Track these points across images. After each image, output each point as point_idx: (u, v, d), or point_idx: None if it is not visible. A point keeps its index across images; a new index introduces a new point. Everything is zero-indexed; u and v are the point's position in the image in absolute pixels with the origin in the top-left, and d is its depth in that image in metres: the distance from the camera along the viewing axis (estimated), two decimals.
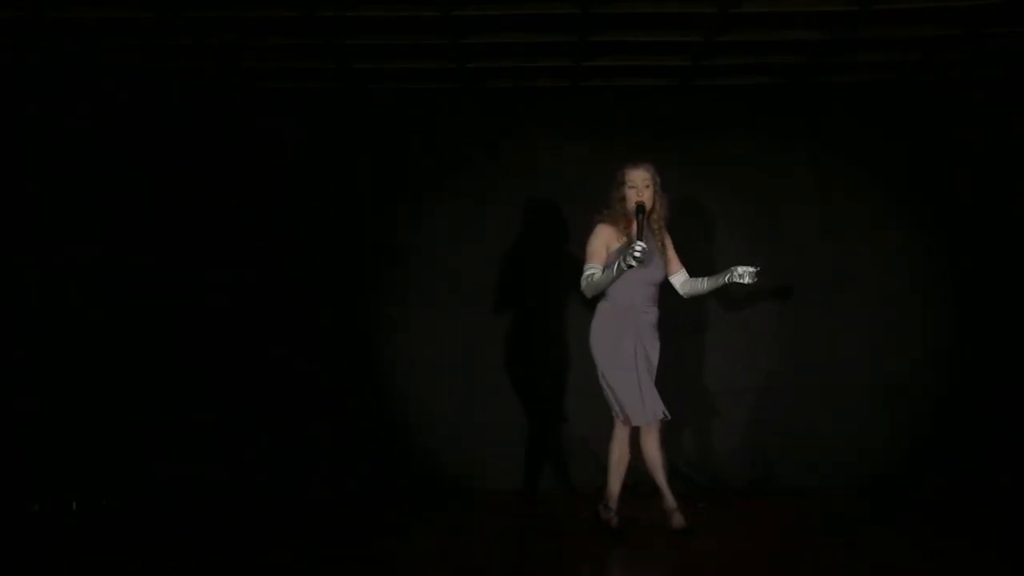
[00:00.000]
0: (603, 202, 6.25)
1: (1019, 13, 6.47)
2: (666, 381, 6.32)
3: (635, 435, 6.26)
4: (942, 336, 7.76)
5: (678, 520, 6.21)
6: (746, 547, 6.14)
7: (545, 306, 7.84)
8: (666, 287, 6.35)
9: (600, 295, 6.23)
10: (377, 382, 7.84)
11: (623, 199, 6.16)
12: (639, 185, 6.17)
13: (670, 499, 6.26)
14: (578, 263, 6.29)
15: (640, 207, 6.10)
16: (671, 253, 6.35)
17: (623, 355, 6.18)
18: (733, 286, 6.28)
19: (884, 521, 6.80)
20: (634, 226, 6.07)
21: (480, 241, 7.82)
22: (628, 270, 6.00)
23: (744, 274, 6.18)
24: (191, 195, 7.80)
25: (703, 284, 6.35)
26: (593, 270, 6.15)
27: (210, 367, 7.72)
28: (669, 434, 6.49)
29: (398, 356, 7.85)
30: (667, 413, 6.19)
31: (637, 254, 5.92)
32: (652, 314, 6.25)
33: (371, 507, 7.39)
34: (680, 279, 6.39)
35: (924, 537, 6.37)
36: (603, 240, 6.20)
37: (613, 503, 6.29)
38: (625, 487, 6.28)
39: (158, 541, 6.43)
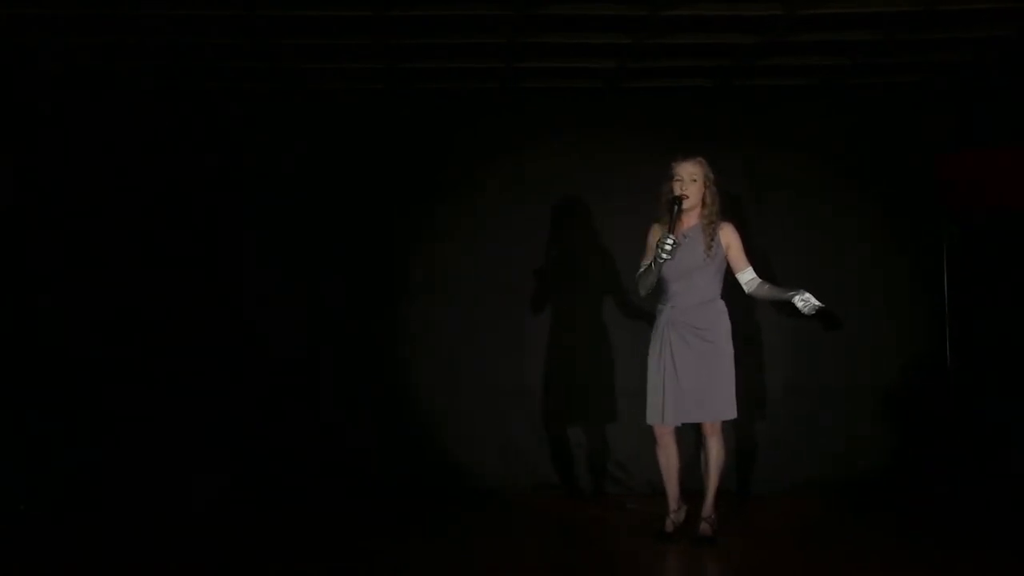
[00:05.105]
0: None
1: (940, 21, 6.60)
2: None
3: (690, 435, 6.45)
4: (920, 338, 7.86)
5: (701, 527, 6.35)
6: (736, 549, 6.26)
7: (572, 307, 7.91)
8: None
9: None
10: (401, 382, 7.91)
11: (670, 192, 6.24)
12: (685, 179, 6.21)
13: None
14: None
15: (676, 200, 6.17)
16: (734, 252, 6.27)
17: (651, 349, 6.32)
18: (788, 306, 6.16)
19: (872, 524, 6.88)
20: (671, 218, 6.16)
21: (504, 242, 7.87)
22: (663, 263, 6.12)
23: (806, 306, 6.08)
24: (195, 196, 7.87)
25: (764, 290, 6.26)
26: (642, 267, 6.26)
27: (228, 366, 7.78)
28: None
29: (423, 357, 7.91)
30: (657, 421, 6.25)
31: (667, 246, 6.05)
32: (687, 311, 6.23)
33: (399, 507, 7.45)
34: (745, 278, 6.29)
35: (912, 539, 6.46)
36: (654, 236, 6.27)
37: (668, 505, 6.41)
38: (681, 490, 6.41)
39: (173, 543, 6.51)
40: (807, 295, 6.11)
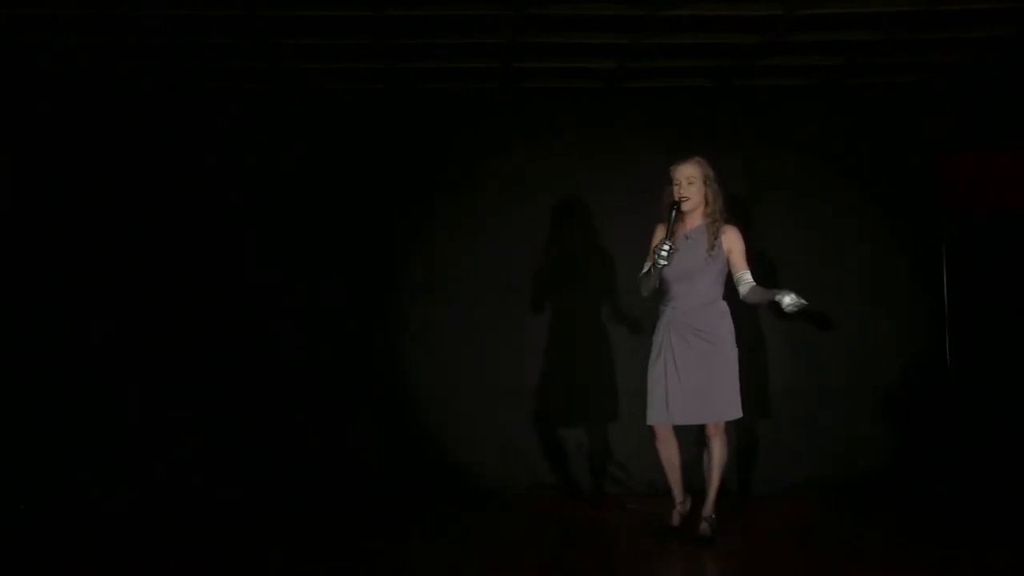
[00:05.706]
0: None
1: (940, 21, 6.61)
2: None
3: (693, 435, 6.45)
4: (920, 338, 7.85)
5: (701, 527, 6.32)
6: (736, 549, 6.27)
7: (572, 307, 7.91)
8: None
9: None
10: (401, 382, 7.91)
11: (670, 196, 6.20)
12: (682, 182, 6.16)
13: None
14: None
15: (675, 204, 6.13)
16: (735, 256, 6.21)
17: (652, 350, 6.29)
18: (774, 304, 6.13)
19: (872, 524, 6.88)
20: (668, 223, 6.12)
21: (504, 242, 7.88)
22: (661, 268, 6.09)
23: (791, 304, 6.01)
24: (195, 196, 7.88)
25: (757, 294, 6.19)
26: (643, 269, 6.25)
27: (228, 366, 7.78)
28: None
29: (422, 357, 7.91)
30: (658, 421, 6.22)
31: (663, 252, 6.03)
32: (688, 312, 6.19)
33: (399, 507, 7.46)
34: (741, 282, 6.24)
35: (912, 539, 6.46)
36: (657, 238, 6.24)
37: (673, 497, 6.41)
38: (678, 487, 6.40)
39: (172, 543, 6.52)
40: (792, 295, 6.06)
